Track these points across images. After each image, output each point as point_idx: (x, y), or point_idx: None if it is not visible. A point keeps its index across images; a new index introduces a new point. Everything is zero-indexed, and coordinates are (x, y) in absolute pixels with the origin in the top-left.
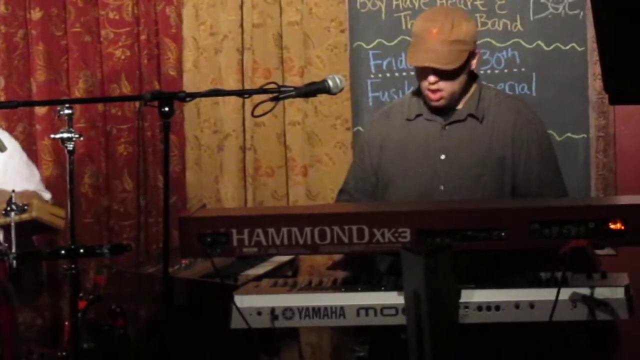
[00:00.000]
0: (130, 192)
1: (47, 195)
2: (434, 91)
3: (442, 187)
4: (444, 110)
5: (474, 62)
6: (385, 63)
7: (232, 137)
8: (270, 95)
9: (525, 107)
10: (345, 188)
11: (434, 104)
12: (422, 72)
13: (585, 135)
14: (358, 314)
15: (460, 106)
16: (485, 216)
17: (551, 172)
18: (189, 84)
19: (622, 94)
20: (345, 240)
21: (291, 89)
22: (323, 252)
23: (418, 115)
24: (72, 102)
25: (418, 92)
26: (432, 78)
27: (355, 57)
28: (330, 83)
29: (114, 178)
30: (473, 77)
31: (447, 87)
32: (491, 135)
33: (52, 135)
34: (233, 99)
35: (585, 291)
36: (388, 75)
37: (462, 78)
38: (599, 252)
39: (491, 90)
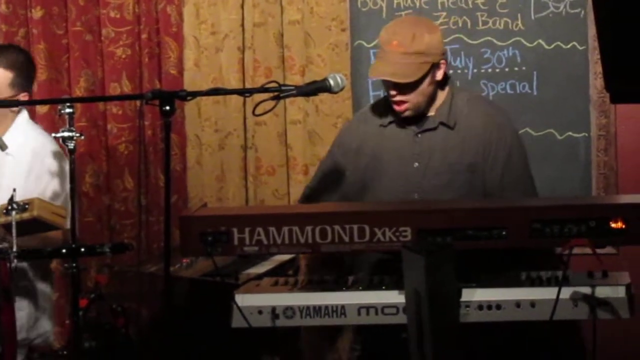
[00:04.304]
0: (131, 191)
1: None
2: (398, 103)
3: (416, 195)
4: (415, 118)
5: (439, 73)
6: None
7: (233, 136)
8: (271, 94)
9: (497, 111)
10: (311, 186)
11: (400, 115)
12: (386, 85)
13: (586, 134)
14: (359, 313)
15: (432, 113)
16: (486, 215)
17: (519, 176)
18: (190, 83)
19: (623, 92)
20: (346, 239)
21: (292, 87)
22: (324, 251)
23: (391, 122)
24: (73, 101)
25: None
26: (392, 92)
27: (356, 56)
28: (331, 82)
29: (115, 177)
30: (444, 83)
31: (410, 99)
32: (463, 141)
33: (53, 134)
34: (234, 97)
35: (587, 290)
36: None
37: (427, 89)
38: (599, 251)
39: (464, 94)
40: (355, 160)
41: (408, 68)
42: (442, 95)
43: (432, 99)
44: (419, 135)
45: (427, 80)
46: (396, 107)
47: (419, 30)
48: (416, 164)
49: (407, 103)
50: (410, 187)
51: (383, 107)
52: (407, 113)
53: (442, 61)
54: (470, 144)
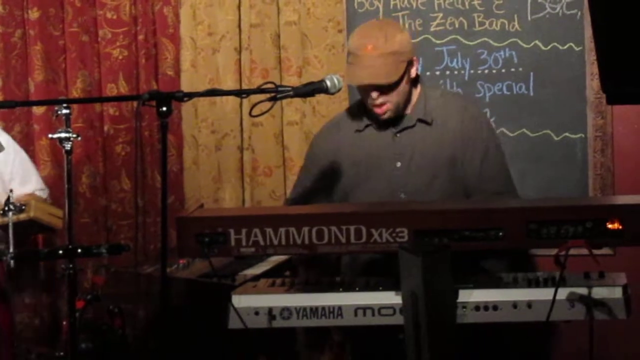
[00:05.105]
0: (128, 192)
1: (43, 194)
2: (379, 106)
3: (402, 195)
4: (393, 119)
5: (413, 70)
6: None
7: (229, 137)
8: (268, 95)
9: (472, 105)
10: (291, 198)
11: (382, 117)
12: (364, 90)
13: (582, 135)
14: (356, 314)
15: (408, 112)
16: (482, 216)
17: (496, 168)
18: (187, 84)
19: (620, 93)
20: (343, 240)
21: (289, 88)
22: (321, 252)
23: (367, 126)
24: (70, 102)
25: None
26: (374, 94)
27: None
28: (328, 83)
29: (111, 178)
30: (416, 81)
31: (391, 99)
32: (441, 136)
33: (49, 135)
34: (231, 98)
35: (583, 291)
36: None
37: (404, 88)
38: (596, 252)
39: (436, 91)
40: (333, 171)
41: (388, 69)
42: (415, 93)
43: (409, 97)
44: (398, 135)
45: (405, 79)
46: (377, 110)
47: (390, 31)
48: (398, 164)
49: (388, 104)
50: (395, 187)
51: (357, 112)
52: (388, 114)
53: (414, 58)
54: (449, 138)
